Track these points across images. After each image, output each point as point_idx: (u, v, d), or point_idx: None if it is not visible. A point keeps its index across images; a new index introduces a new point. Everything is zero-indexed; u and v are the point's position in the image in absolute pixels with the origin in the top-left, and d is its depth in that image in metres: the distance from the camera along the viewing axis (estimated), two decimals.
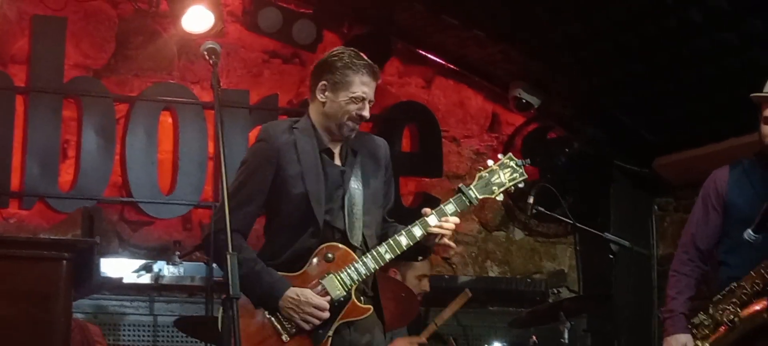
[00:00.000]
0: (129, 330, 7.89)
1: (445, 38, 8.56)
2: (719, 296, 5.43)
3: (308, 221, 4.81)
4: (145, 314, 7.96)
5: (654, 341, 8.08)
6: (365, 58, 4.92)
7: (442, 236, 4.87)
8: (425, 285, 7.49)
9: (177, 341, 7.87)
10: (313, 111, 4.94)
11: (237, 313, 4.27)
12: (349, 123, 4.86)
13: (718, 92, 7.63)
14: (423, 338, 7.42)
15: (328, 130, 4.91)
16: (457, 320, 8.42)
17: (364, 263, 4.80)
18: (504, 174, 5.03)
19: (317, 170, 4.85)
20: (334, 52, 4.93)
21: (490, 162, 5.06)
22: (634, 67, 7.88)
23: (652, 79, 7.91)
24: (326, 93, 4.86)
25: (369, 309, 4.86)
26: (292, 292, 4.72)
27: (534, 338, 7.03)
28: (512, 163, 5.06)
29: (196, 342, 7.52)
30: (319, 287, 4.77)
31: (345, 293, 4.79)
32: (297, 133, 4.90)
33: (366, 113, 4.87)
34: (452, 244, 4.94)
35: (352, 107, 4.83)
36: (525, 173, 5.07)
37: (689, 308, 5.60)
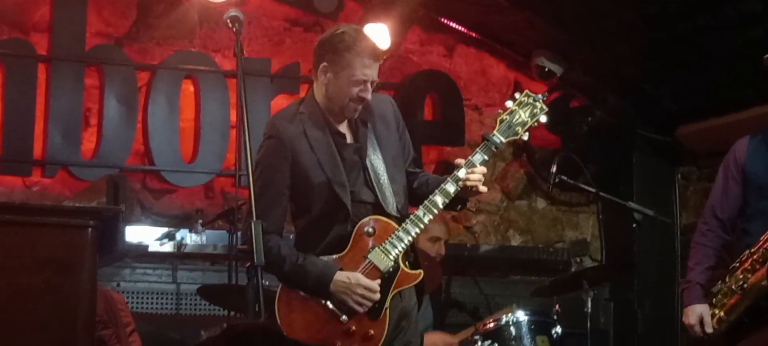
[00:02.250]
0: (152, 298, 7.93)
1: (467, 6, 8.50)
2: (735, 264, 5.43)
3: (337, 207, 4.79)
4: (168, 282, 7.99)
5: (677, 310, 8.07)
6: (367, 37, 4.86)
7: (475, 186, 4.83)
8: (440, 248, 7.46)
9: (200, 309, 7.90)
10: (317, 91, 4.90)
11: (261, 280, 4.29)
12: (351, 105, 4.82)
13: (742, 60, 7.58)
14: (457, 339, 7.38)
15: (332, 111, 4.87)
16: (480, 289, 8.43)
17: (406, 230, 4.77)
18: (524, 112, 4.96)
19: (332, 154, 4.83)
20: (336, 32, 4.85)
21: (509, 103, 5.00)
22: (657, 36, 7.83)
23: (675, 48, 7.86)
24: (328, 75, 4.81)
25: (420, 273, 4.86)
26: (342, 275, 4.71)
27: (557, 307, 7.01)
28: (530, 100, 4.99)
29: (219, 310, 7.54)
30: (366, 263, 4.75)
31: (393, 263, 4.77)
32: (304, 119, 4.86)
33: (368, 95, 4.81)
34: (483, 188, 4.87)
35: (354, 90, 4.78)
36: (545, 106, 5.00)
37: (708, 278, 5.59)
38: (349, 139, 4.91)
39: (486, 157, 4.86)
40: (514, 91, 9.11)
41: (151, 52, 8.21)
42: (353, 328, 4.74)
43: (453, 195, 4.81)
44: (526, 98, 5.00)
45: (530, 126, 4.98)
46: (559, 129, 8.79)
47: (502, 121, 4.95)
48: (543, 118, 5.01)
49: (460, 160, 4.86)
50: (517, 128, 4.95)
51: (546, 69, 8.59)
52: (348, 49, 4.76)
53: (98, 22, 8.08)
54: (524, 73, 9.09)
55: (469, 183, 4.80)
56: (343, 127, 4.92)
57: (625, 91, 8.69)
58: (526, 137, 5.01)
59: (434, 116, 8.85)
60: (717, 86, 7.99)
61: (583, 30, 8.21)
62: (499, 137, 4.91)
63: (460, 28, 8.90)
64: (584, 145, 8.51)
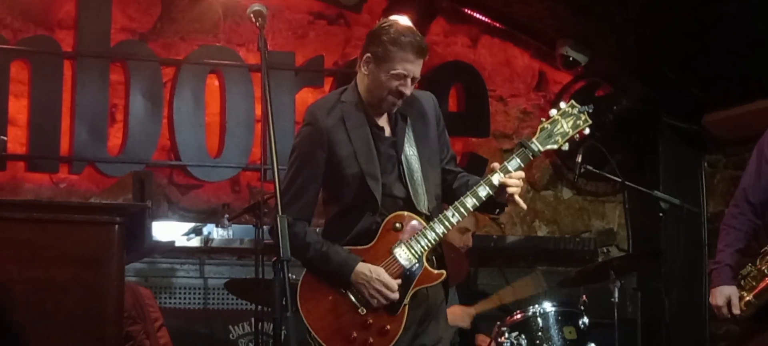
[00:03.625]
0: (180, 293, 7.97)
1: None
2: (765, 249, 5.40)
3: (367, 199, 4.77)
4: (195, 277, 8.02)
5: (705, 299, 8.03)
6: (414, 34, 4.80)
7: (512, 195, 4.78)
8: (468, 240, 7.44)
9: (227, 303, 7.93)
10: (360, 82, 4.88)
11: (287, 274, 4.29)
12: (390, 99, 4.79)
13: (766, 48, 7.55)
14: (474, 310, 7.38)
15: (372, 103, 4.85)
16: (507, 280, 8.41)
17: (433, 229, 4.75)
18: (567, 123, 4.89)
19: (369, 146, 4.80)
20: (384, 24, 4.83)
21: (553, 112, 4.93)
22: (682, 23, 7.79)
23: (700, 35, 7.82)
24: (370, 66, 4.79)
25: (442, 274, 4.83)
26: (364, 267, 4.70)
27: (584, 297, 6.98)
28: (574, 111, 4.91)
29: (246, 304, 7.56)
30: (390, 258, 4.74)
31: (416, 261, 4.76)
32: (344, 108, 4.84)
33: (407, 91, 4.77)
34: (521, 202, 4.86)
35: (393, 84, 4.74)
36: (589, 119, 4.92)
37: (737, 261, 5.56)
38: (387, 133, 4.88)
39: (522, 164, 4.80)
40: (539, 81, 9.17)
41: (176, 47, 8.23)
42: (371, 321, 4.74)
43: (485, 199, 4.77)
44: (570, 109, 4.93)
45: (571, 137, 4.91)
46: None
47: (543, 129, 4.89)
48: (586, 131, 4.93)
49: (495, 165, 4.83)
50: (557, 138, 4.88)
51: (570, 58, 8.57)
52: (392, 42, 4.73)
53: (123, 18, 8.11)
54: (549, 63, 9.07)
55: (508, 190, 4.76)
56: (383, 121, 4.89)
57: (650, 80, 8.66)
58: (566, 148, 4.96)
59: (459, 107, 8.85)
60: (743, 73, 7.95)
61: (605, 19, 8.18)
62: (537, 145, 4.85)
63: (483, 18, 8.89)
64: (610, 134, 8.47)
